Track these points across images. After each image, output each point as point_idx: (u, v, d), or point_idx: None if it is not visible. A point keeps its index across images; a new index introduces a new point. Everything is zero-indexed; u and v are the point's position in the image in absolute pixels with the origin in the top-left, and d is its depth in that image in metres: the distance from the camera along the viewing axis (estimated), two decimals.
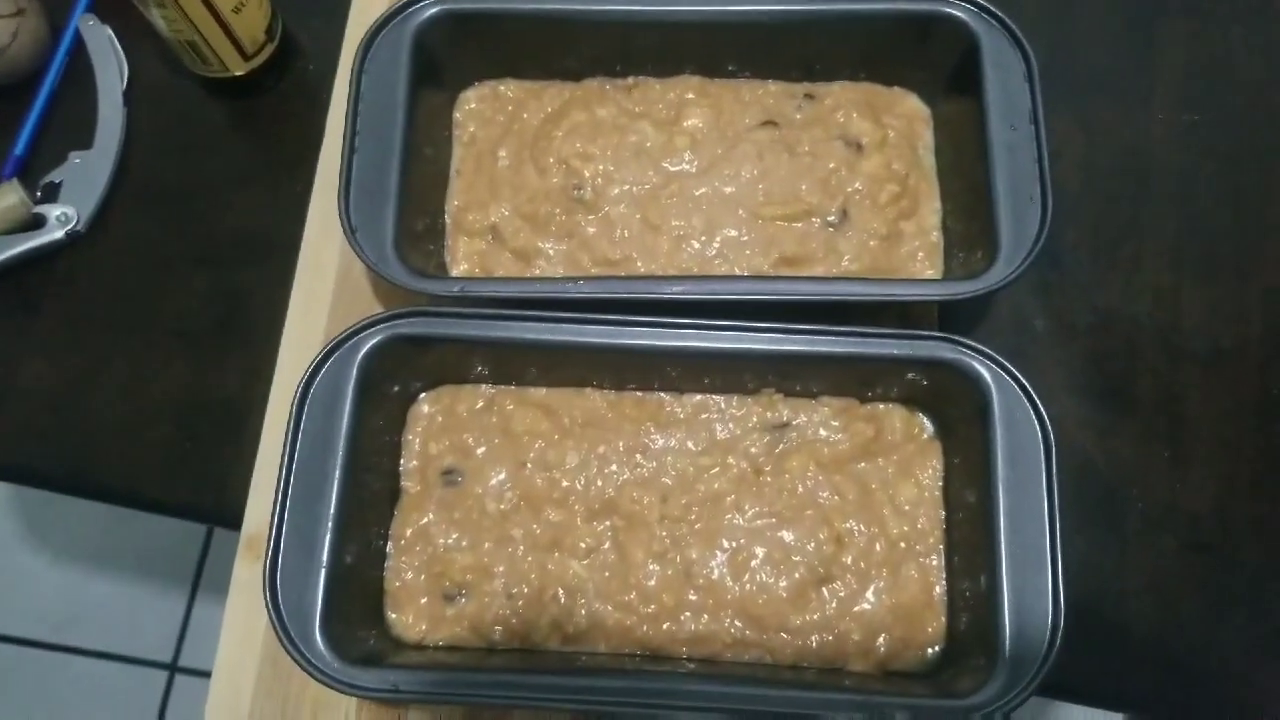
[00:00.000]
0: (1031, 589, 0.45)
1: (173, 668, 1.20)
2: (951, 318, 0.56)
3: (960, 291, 0.49)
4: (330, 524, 0.47)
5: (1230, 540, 0.55)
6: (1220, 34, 0.65)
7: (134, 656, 1.20)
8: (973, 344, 0.48)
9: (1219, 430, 0.57)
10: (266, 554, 0.46)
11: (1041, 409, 0.47)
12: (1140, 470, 0.56)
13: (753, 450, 0.52)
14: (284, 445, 0.47)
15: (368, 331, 0.49)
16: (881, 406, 0.53)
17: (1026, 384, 0.47)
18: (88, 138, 0.62)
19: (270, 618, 0.45)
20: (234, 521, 0.55)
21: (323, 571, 0.46)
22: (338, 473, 0.48)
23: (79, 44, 0.65)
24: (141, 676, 1.20)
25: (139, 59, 0.65)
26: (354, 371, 0.49)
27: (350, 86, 0.53)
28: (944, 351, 0.48)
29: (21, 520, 1.24)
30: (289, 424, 0.48)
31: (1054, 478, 0.46)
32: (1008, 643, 0.45)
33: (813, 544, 0.50)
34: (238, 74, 0.61)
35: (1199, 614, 0.54)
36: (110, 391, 0.58)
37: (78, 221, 0.61)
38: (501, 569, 0.50)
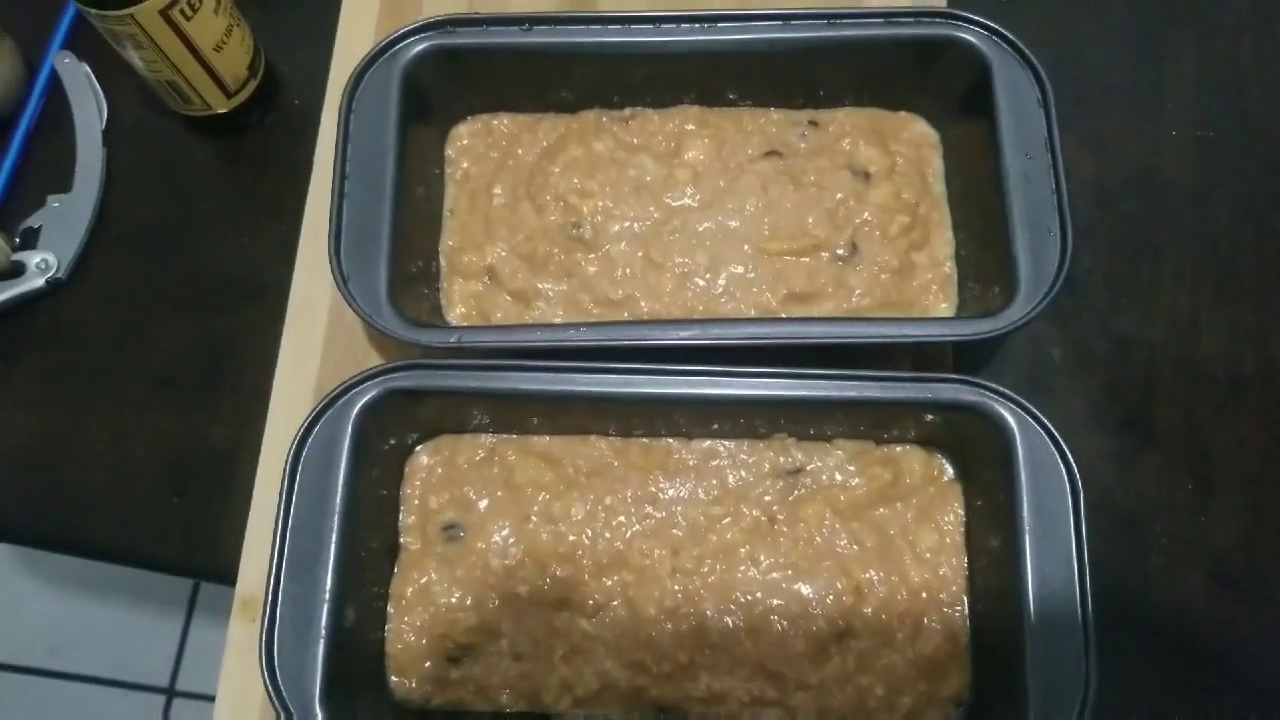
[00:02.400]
0: (1061, 640, 0.44)
1: (170, 691, 1.19)
2: (967, 351, 0.55)
3: (979, 332, 0.47)
4: (328, 589, 0.45)
5: (1258, 574, 0.54)
6: (1231, 45, 0.63)
7: (131, 681, 1.19)
8: (994, 386, 0.46)
9: (1243, 460, 0.55)
10: (262, 625, 0.44)
11: (1068, 454, 0.45)
12: (1163, 503, 0.55)
13: (766, 498, 0.50)
14: (278, 509, 0.46)
15: (362, 386, 0.47)
16: (899, 449, 0.51)
17: (1051, 428, 0.45)
18: (66, 180, 0.60)
19: (268, 694, 0.43)
20: (227, 578, 0.53)
21: (321, 641, 0.44)
22: (334, 534, 0.46)
23: (56, 83, 0.63)
24: (139, 701, 1.18)
25: (118, 97, 0.63)
26: (348, 428, 0.47)
27: (338, 129, 0.51)
28: (965, 394, 0.47)
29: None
30: (282, 487, 0.46)
31: (1082, 524, 0.44)
32: (1037, 695, 0.43)
33: (831, 595, 0.48)
34: (220, 111, 0.59)
35: (1227, 652, 0.53)
36: (95, 444, 0.57)
37: (58, 268, 0.59)
38: (507, 628, 0.48)
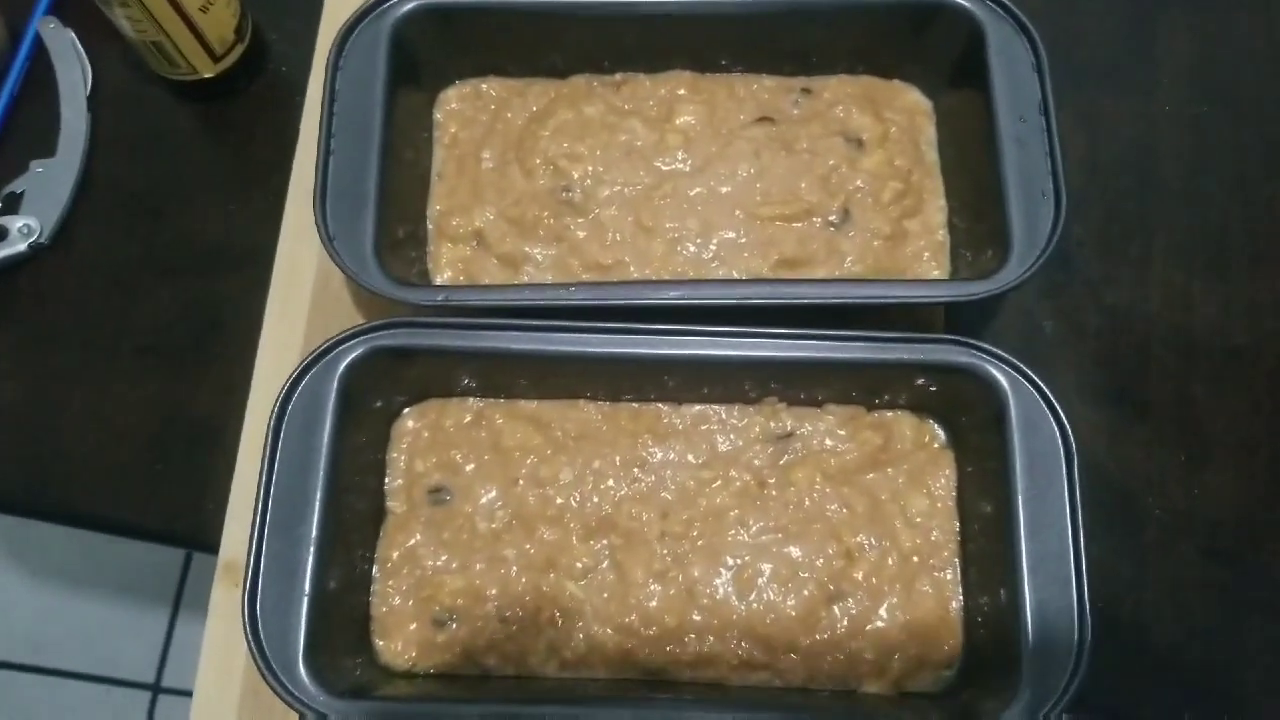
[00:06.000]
0: (1054, 603, 0.43)
1: (156, 688, 1.18)
2: (959, 320, 0.54)
3: (972, 293, 0.46)
4: (312, 548, 0.44)
5: (1251, 547, 0.53)
6: (1226, 21, 0.63)
7: (116, 677, 1.18)
8: (987, 347, 0.46)
9: (1236, 432, 0.55)
10: (245, 582, 0.43)
11: (1062, 415, 0.45)
12: (1156, 475, 0.55)
13: (756, 462, 0.49)
14: (261, 466, 0.45)
15: (347, 345, 0.47)
16: (889, 414, 0.50)
17: (1045, 389, 0.45)
18: (50, 145, 0.60)
19: (250, 650, 0.42)
20: (211, 545, 0.52)
21: (305, 599, 0.44)
22: (319, 494, 0.45)
23: (40, 47, 0.62)
24: (124, 697, 1.17)
25: (103, 62, 0.62)
26: (334, 387, 0.46)
27: (325, 85, 0.50)
28: (957, 355, 0.46)
29: None
30: (265, 444, 0.45)
31: (1076, 487, 0.44)
32: (1031, 660, 0.42)
33: (821, 559, 0.48)
34: (207, 76, 0.59)
35: (1220, 624, 0.53)
36: (78, 411, 0.56)
37: (41, 233, 0.58)
38: (494, 591, 0.48)
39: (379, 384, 0.48)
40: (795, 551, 0.48)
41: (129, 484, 0.55)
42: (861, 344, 0.47)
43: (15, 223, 0.58)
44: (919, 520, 0.48)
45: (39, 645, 1.17)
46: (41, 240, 0.58)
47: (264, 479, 0.45)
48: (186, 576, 1.22)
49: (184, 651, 1.18)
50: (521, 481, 0.49)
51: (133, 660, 1.18)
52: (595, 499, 0.49)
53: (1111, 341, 0.57)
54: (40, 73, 0.62)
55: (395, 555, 0.48)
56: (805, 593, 0.47)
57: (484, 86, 0.56)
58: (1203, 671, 0.52)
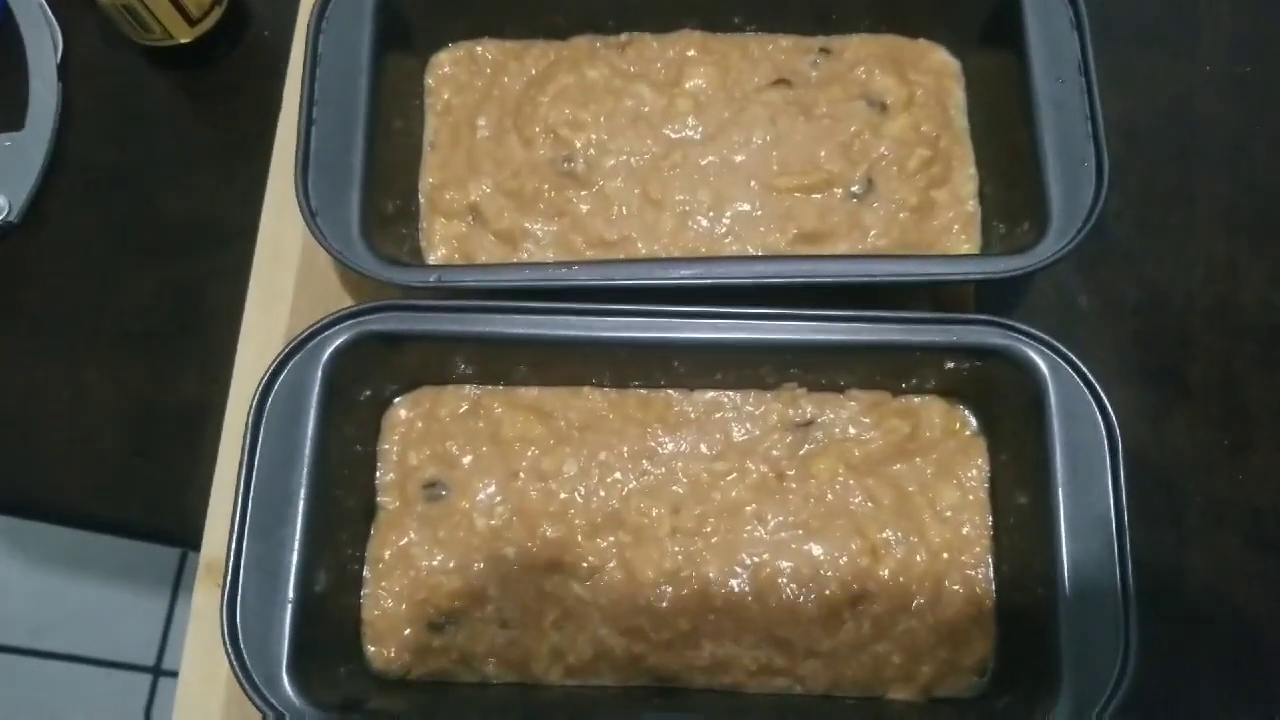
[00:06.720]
0: (1097, 602, 0.40)
1: (156, 670, 1.16)
2: (989, 297, 0.51)
3: (1008, 269, 0.43)
4: (296, 549, 0.42)
5: None
6: None
7: (116, 660, 1.16)
8: (1024, 328, 0.43)
9: None
10: (224, 586, 0.41)
11: (1105, 402, 0.42)
12: (1198, 461, 0.52)
13: (774, 453, 0.47)
14: (240, 462, 0.42)
15: (333, 330, 0.44)
16: (917, 400, 0.47)
17: (1087, 373, 0.42)
18: (18, 118, 0.58)
19: (230, 662, 0.40)
20: (192, 542, 0.49)
21: (289, 604, 0.41)
22: (303, 490, 0.42)
23: (6, 14, 0.59)
24: (124, 680, 1.16)
25: (74, 29, 0.60)
26: (318, 375, 0.43)
27: (306, 49, 0.47)
28: (991, 337, 0.43)
29: None
30: (244, 437, 0.42)
31: (1121, 478, 0.41)
32: (1071, 663, 0.40)
33: (845, 557, 0.45)
34: (183, 41, 0.56)
35: (1266, 616, 0.50)
36: (51, 400, 0.54)
37: (10, 211, 0.56)
38: (494, 593, 0.45)
39: (368, 372, 0.46)
40: (816, 548, 0.45)
41: (107, 478, 0.53)
42: (887, 325, 0.44)
43: None
44: (949, 514, 0.46)
45: (39, 629, 1.16)
46: (11, 219, 0.56)
47: (243, 475, 0.42)
48: (185, 559, 1.20)
49: (184, 635, 1.17)
50: (522, 475, 0.47)
51: (133, 643, 1.17)
52: (601, 493, 0.46)
53: (1151, 318, 0.54)
54: (7, 41, 0.59)
55: (387, 555, 0.46)
56: (827, 592, 0.44)
57: (479, 49, 0.53)
58: (1249, 666, 0.50)
